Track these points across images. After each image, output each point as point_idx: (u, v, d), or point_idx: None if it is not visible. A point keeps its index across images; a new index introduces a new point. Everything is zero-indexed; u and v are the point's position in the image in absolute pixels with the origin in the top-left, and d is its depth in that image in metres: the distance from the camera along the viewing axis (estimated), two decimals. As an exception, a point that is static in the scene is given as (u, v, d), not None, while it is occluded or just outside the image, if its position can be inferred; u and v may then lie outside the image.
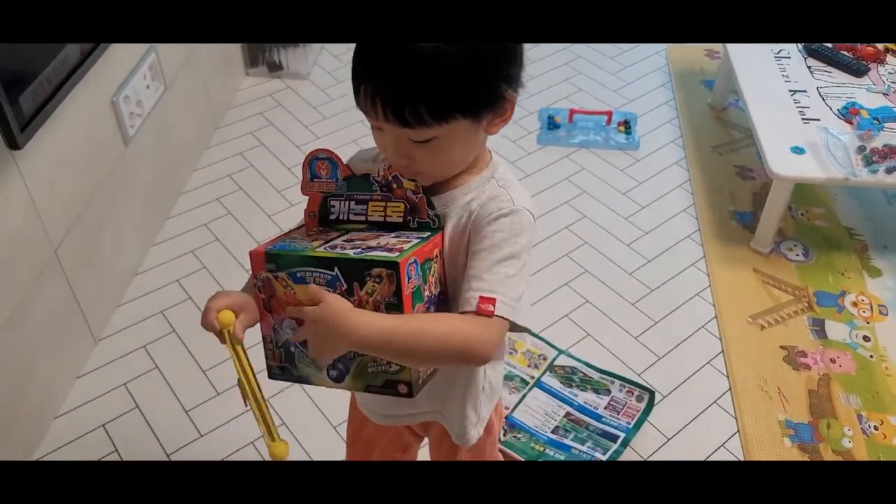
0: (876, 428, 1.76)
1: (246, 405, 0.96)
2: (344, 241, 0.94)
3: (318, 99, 2.78)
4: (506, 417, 1.77)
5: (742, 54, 2.39)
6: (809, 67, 2.35)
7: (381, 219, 0.98)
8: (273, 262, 0.92)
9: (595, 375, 1.87)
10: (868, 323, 2.00)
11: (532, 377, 1.86)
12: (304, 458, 1.67)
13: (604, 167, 2.50)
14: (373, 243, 0.92)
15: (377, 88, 0.86)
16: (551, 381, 1.86)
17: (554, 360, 1.90)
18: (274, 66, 2.89)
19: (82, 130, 1.76)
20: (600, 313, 2.03)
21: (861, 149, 1.97)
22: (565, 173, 2.47)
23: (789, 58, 2.39)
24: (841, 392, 1.84)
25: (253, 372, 0.93)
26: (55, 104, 1.49)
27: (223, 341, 0.94)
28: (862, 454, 1.71)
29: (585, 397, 1.82)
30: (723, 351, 1.93)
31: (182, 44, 2.29)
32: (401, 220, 0.97)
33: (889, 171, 1.94)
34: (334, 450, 1.65)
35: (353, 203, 0.99)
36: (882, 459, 1.69)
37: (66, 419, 1.76)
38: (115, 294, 2.02)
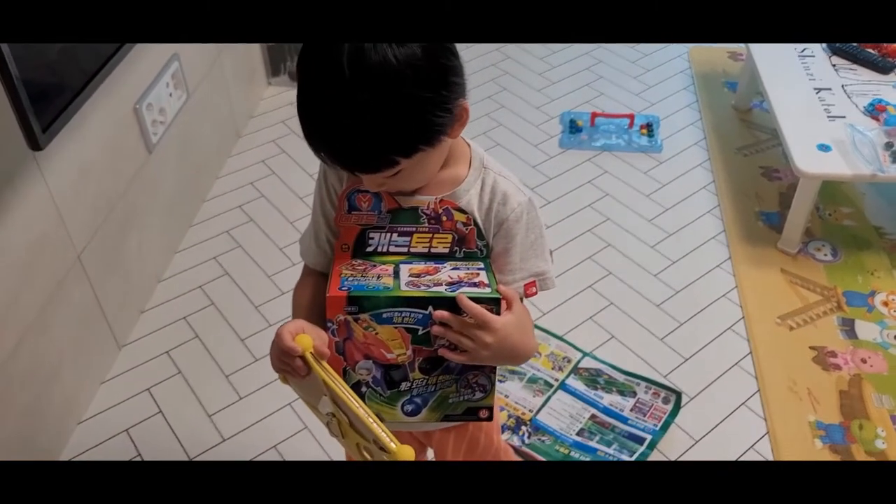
0: (911, 429, 1.72)
1: (332, 435, 0.93)
2: (411, 276, 0.94)
3: (338, 107, 2.79)
4: (530, 420, 1.75)
5: (766, 53, 2.36)
6: (834, 66, 2.32)
7: (426, 250, 0.98)
8: (356, 304, 0.90)
9: (620, 377, 1.84)
10: (900, 323, 1.96)
11: (556, 380, 1.84)
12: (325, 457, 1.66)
13: (627, 170, 2.48)
14: (444, 277, 0.93)
15: (335, 157, 0.87)
16: (576, 383, 1.83)
17: (578, 362, 1.88)
18: (296, 75, 2.90)
19: (105, 137, 1.78)
20: (625, 315, 2.00)
21: (889, 145, 1.93)
22: (588, 176, 2.45)
23: (813, 56, 2.36)
24: (873, 392, 1.79)
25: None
26: (76, 108, 1.50)
27: (285, 374, 0.92)
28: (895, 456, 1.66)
29: (611, 399, 1.79)
30: (751, 352, 1.90)
31: (205, 53, 2.31)
32: (447, 251, 0.98)
33: (918, 166, 1.90)
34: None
35: (395, 235, 0.98)
36: (918, 461, 1.65)
37: (90, 424, 1.77)
38: (138, 300, 2.03)
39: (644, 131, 2.60)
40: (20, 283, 1.52)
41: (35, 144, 1.32)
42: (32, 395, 1.59)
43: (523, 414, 1.76)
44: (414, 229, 0.98)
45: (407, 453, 0.84)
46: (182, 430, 1.75)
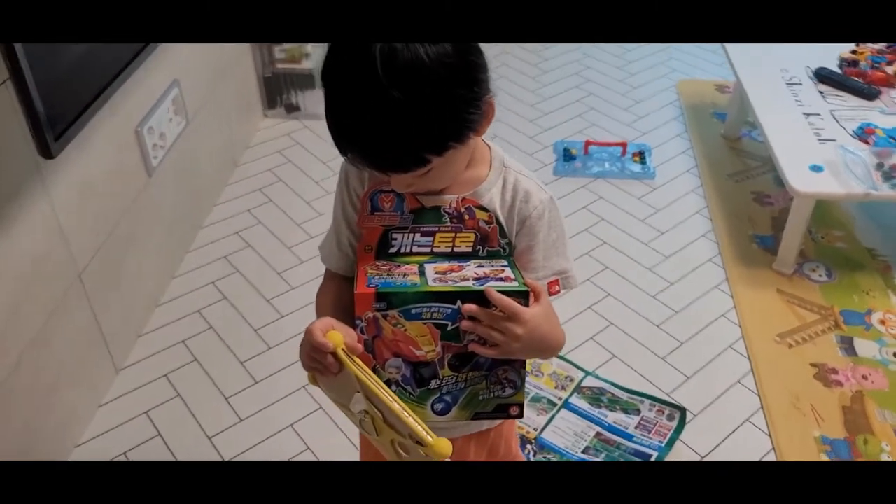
0: (915, 443, 1.72)
1: (366, 433, 0.91)
2: (437, 274, 0.94)
3: (334, 137, 2.81)
4: (535, 439, 1.74)
5: (755, 81, 2.42)
6: (821, 93, 2.38)
7: (449, 249, 0.98)
8: (384, 300, 0.90)
9: (624, 396, 1.83)
10: (897, 340, 1.98)
11: (560, 398, 1.83)
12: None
13: (621, 196, 2.51)
14: (469, 274, 0.93)
15: (367, 158, 0.87)
16: (579, 402, 1.82)
17: (581, 381, 1.87)
18: (291, 107, 2.93)
19: (107, 156, 1.78)
20: (625, 335, 2.01)
21: (880, 165, 1.98)
22: (583, 202, 2.48)
23: (801, 84, 2.42)
24: (876, 408, 1.80)
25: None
26: (82, 124, 1.51)
27: (316, 372, 0.91)
28: (902, 469, 1.66)
29: (615, 417, 1.79)
30: (752, 370, 1.90)
31: (203, 81, 2.33)
32: (469, 249, 0.98)
33: (910, 185, 1.94)
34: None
35: (418, 235, 0.98)
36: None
37: (88, 447, 1.73)
38: (137, 324, 2.01)
39: (637, 159, 2.64)
40: (21, 301, 1.50)
41: (47, 152, 1.32)
42: (29, 417, 1.56)
43: (528, 433, 1.75)
44: (437, 229, 0.98)
45: (444, 446, 0.82)
46: (181, 452, 1.72)
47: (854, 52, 2.52)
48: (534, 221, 0.99)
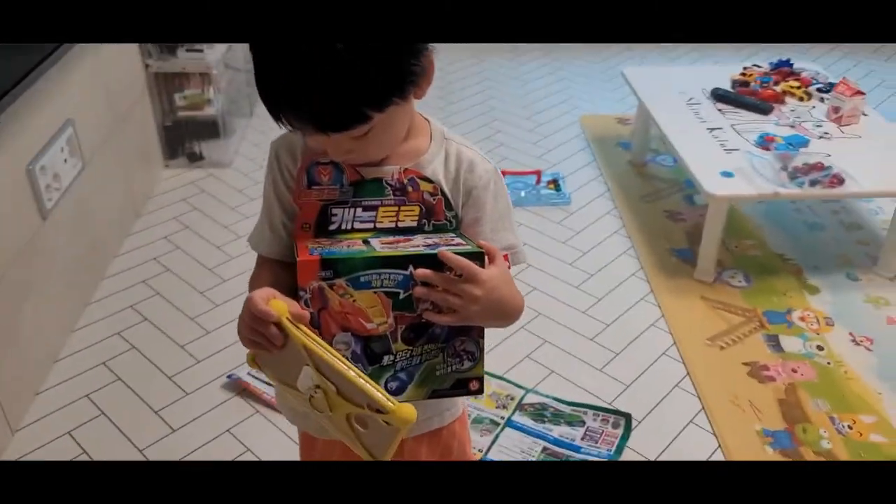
0: (850, 427, 1.74)
1: (316, 411, 0.81)
2: (384, 246, 0.87)
3: (242, 183, 2.72)
4: (481, 460, 1.65)
5: (658, 104, 2.51)
6: (720, 110, 2.49)
7: (393, 224, 0.92)
8: (330, 268, 0.82)
9: (567, 409, 1.78)
10: (818, 334, 2.02)
11: (502, 418, 1.76)
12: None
13: (540, 221, 2.52)
14: (419, 243, 0.87)
15: (306, 115, 0.82)
16: (522, 419, 1.76)
17: (522, 398, 1.81)
18: (194, 156, 2.82)
19: (-2, 192, 1.64)
20: (561, 351, 1.97)
21: (784, 167, 2.06)
22: (502, 229, 2.47)
23: (700, 104, 2.52)
24: (809, 398, 1.82)
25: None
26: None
27: (257, 347, 0.82)
28: (842, 453, 1.67)
29: (560, 431, 1.73)
30: (688, 373, 1.90)
31: (99, 124, 2.20)
32: (415, 224, 0.92)
33: (812, 183, 2.02)
34: None
35: (359, 210, 0.91)
36: (863, 457, 1.66)
37: (-20, 518, 1.52)
38: (34, 380, 1.82)
39: (552, 186, 2.66)
40: None
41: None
42: None
43: (473, 454, 1.66)
44: (379, 203, 0.91)
45: (407, 412, 0.74)
46: (92, 512, 1.54)
47: (743, 73, 2.66)
48: (480, 192, 0.95)
